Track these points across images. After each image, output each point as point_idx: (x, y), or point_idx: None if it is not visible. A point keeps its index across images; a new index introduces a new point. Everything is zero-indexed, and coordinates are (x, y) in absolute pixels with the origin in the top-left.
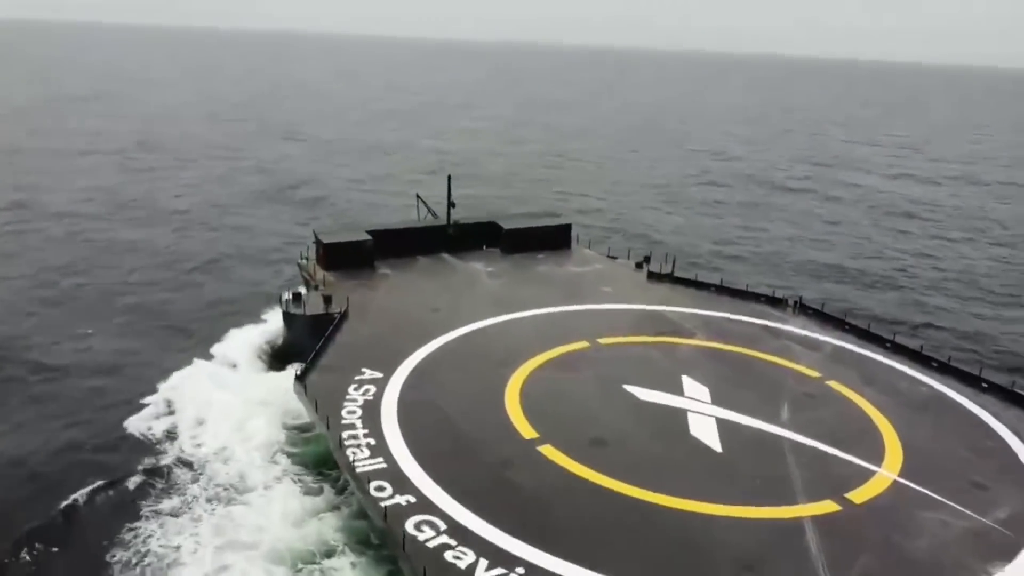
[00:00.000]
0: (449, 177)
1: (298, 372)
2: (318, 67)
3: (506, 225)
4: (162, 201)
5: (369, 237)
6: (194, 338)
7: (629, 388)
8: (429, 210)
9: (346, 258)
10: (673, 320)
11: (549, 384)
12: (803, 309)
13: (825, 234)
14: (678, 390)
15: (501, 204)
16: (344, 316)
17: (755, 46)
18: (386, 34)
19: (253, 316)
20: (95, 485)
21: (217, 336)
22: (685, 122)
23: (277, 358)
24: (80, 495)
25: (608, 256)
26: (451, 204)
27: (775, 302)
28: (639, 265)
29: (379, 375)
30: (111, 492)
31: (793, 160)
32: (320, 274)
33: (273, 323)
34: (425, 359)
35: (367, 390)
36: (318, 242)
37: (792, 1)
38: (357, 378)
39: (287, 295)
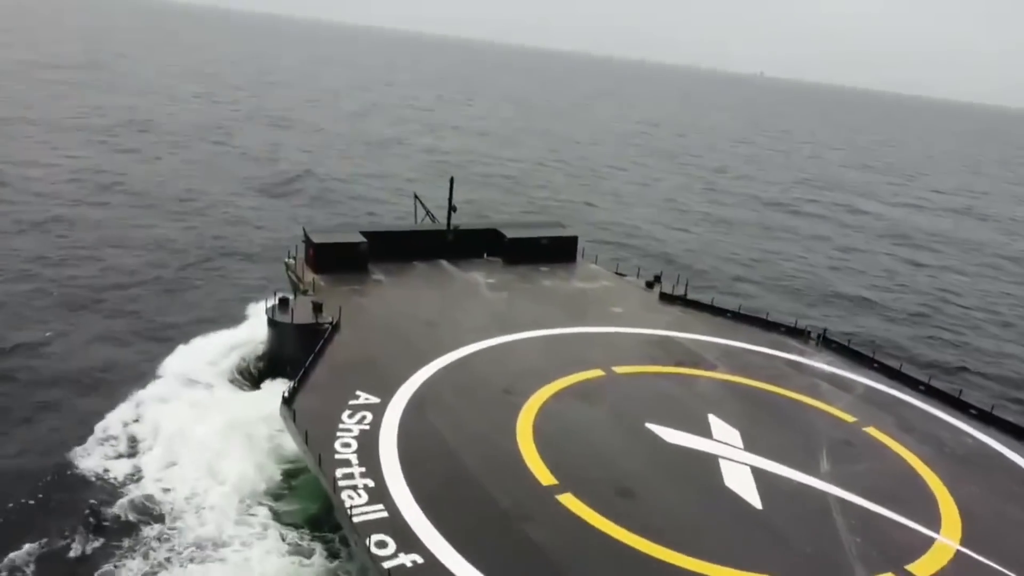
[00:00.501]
0: (452, 180)
1: (286, 394)
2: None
3: (509, 234)
4: (145, 185)
5: (363, 239)
6: (167, 344)
7: (652, 427)
8: (428, 213)
9: (338, 261)
10: (691, 349)
11: (564, 419)
12: (827, 343)
13: (831, 256)
14: (706, 431)
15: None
16: (335, 327)
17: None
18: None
19: (235, 320)
20: (34, 544)
21: (194, 344)
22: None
23: (260, 371)
24: (15, 557)
25: (617, 273)
26: (452, 208)
27: (796, 333)
28: (650, 284)
29: (375, 400)
30: (53, 550)
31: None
32: (309, 277)
33: (256, 328)
34: (426, 382)
35: (363, 417)
36: (308, 241)
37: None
38: (351, 402)
39: (272, 300)
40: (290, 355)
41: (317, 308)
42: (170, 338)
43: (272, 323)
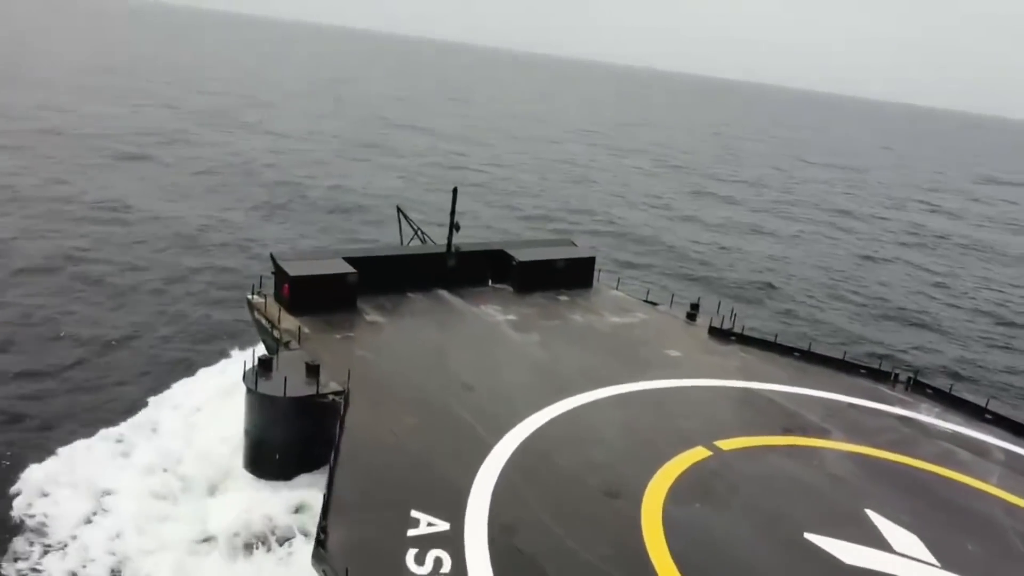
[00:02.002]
0: (455, 191)
1: (320, 535)
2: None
3: (519, 256)
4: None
5: (350, 268)
6: (114, 410)
7: (814, 538)
8: (417, 231)
9: (320, 297)
10: (788, 408)
11: (700, 534)
12: (918, 386)
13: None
14: (878, 541)
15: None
16: (346, 402)
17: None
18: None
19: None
20: None
21: (149, 411)
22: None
23: (241, 470)
24: None
25: (647, 301)
26: (455, 226)
27: (880, 375)
28: (691, 316)
29: (443, 526)
30: None
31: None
32: (286, 320)
33: (220, 399)
34: (500, 488)
35: (438, 562)
36: (279, 272)
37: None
38: (412, 533)
39: (250, 363)
40: (283, 442)
41: (313, 371)
42: (120, 397)
43: (255, 397)
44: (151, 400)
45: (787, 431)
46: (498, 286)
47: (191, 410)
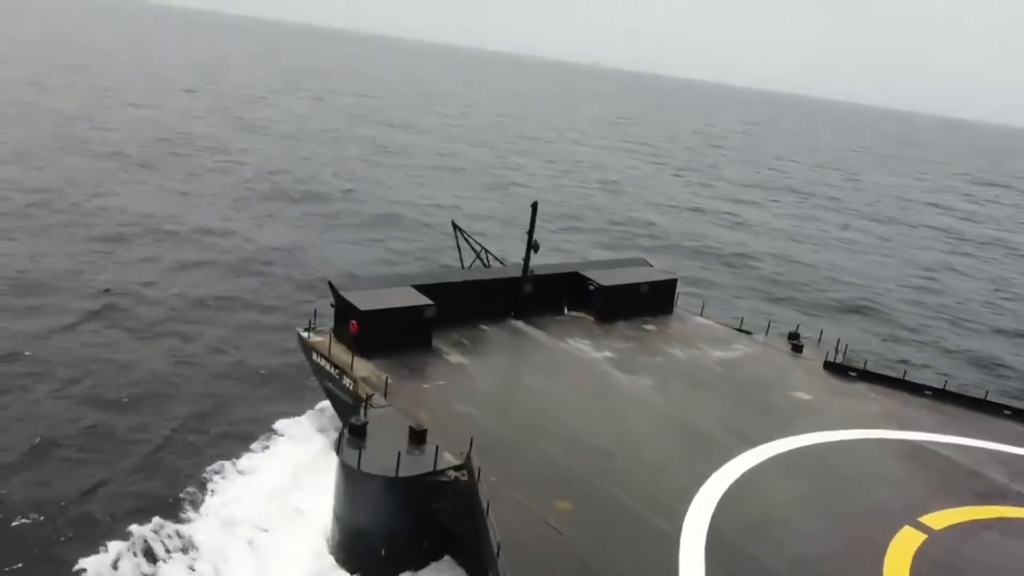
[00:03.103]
0: (535, 205)
1: None
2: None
3: (598, 279)
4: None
5: (426, 299)
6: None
7: None
8: (477, 251)
9: (393, 334)
10: (967, 466)
11: None
12: None
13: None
14: None
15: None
16: (473, 480)
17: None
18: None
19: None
20: None
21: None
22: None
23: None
24: None
25: (740, 330)
26: (533, 246)
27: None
28: (796, 348)
29: None
30: None
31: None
32: (354, 363)
33: (287, 474)
34: None
35: None
36: (342, 305)
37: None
38: None
39: (343, 429)
40: (391, 531)
41: (418, 437)
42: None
43: (354, 475)
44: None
45: (983, 497)
46: (574, 314)
47: (259, 520)
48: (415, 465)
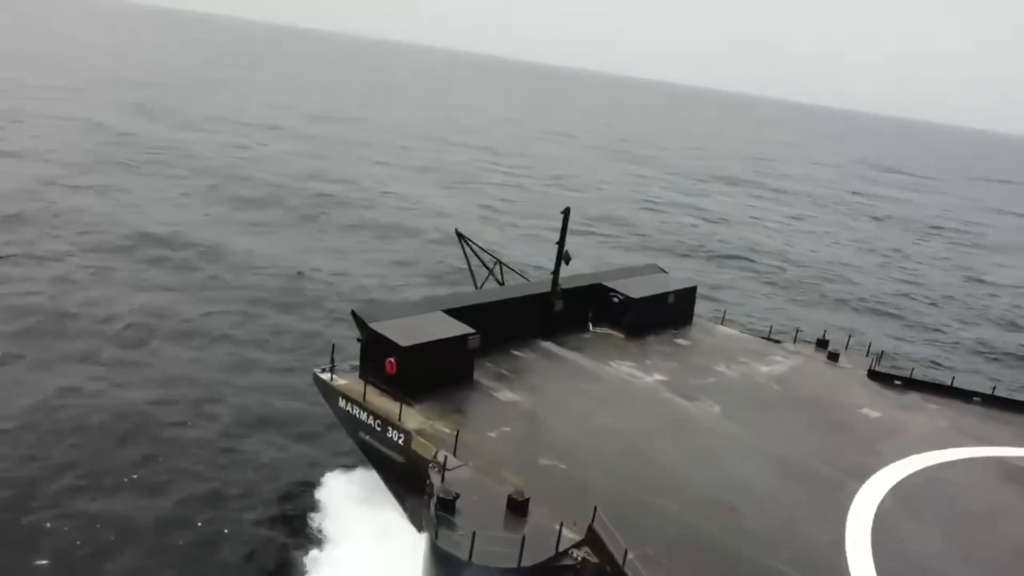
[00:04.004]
0: (567, 211)
1: None
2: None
3: (627, 291)
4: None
5: (469, 329)
6: None
7: None
8: (491, 268)
9: (435, 371)
10: None
11: None
12: None
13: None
14: None
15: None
16: (603, 559)
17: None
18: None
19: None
20: None
21: None
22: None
23: None
24: None
25: (770, 339)
26: (564, 257)
27: None
28: (832, 356)
29: None
30: None
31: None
32: (402, 412)
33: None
34: None
35: None
36: (374, 340)
37: None
38: None
39: (430, 504)
40: None
41: (520, 507)
42: None
43: (461, 567)
44: None
45: None
46: (600, 330)
47: None
48: (535, 548)
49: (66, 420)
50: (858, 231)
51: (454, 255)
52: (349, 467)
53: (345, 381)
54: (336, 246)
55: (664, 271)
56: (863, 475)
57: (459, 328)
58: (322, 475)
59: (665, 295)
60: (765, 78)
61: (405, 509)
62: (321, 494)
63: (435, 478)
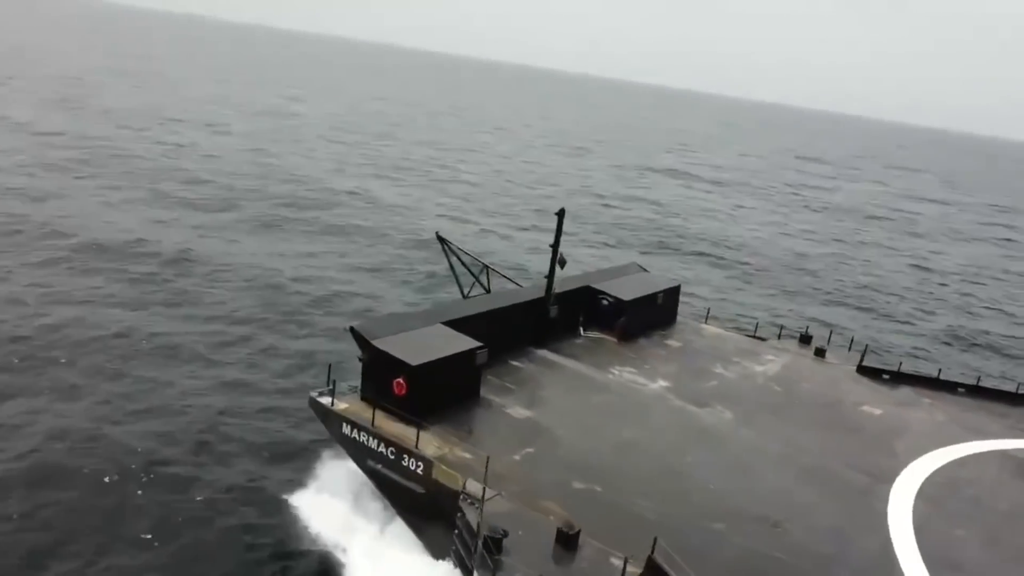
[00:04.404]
0: (562, 212)
1: None
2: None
3: (617, 293)
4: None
5: (476, 342)
6: None
7: None
8: (476, 275)
9: (444, 389)
10: None
11: None
12: None
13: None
14: None
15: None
16: None
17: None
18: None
19: None
20: None
21: None
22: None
23: None
24: None
25: (755, 336)
26: (559, 261)
27: None
28: (819, 352)
29: None
30: None
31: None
32: (419, 438)
33: None
34: None
35: None
36: (379, 359)
37: None
38: None
39: (475, 548)
40: None
41: (571, 542)
42: None
43: None
44: None
45: None
46: (590, 334)
47: None
48: None
49: (29, 461)
50: (804, 221)
51: (421, 258)
52: (354, 495)
53: (347, 405)
54: (302, 250)
55: (645, 270)
56: (887, 478)
57: (466, 342)
58: (324, 505)
59: (654, 295)
60: (706, 76)
61: (423, 540)
62: (322, 524)
63: (471, 513)
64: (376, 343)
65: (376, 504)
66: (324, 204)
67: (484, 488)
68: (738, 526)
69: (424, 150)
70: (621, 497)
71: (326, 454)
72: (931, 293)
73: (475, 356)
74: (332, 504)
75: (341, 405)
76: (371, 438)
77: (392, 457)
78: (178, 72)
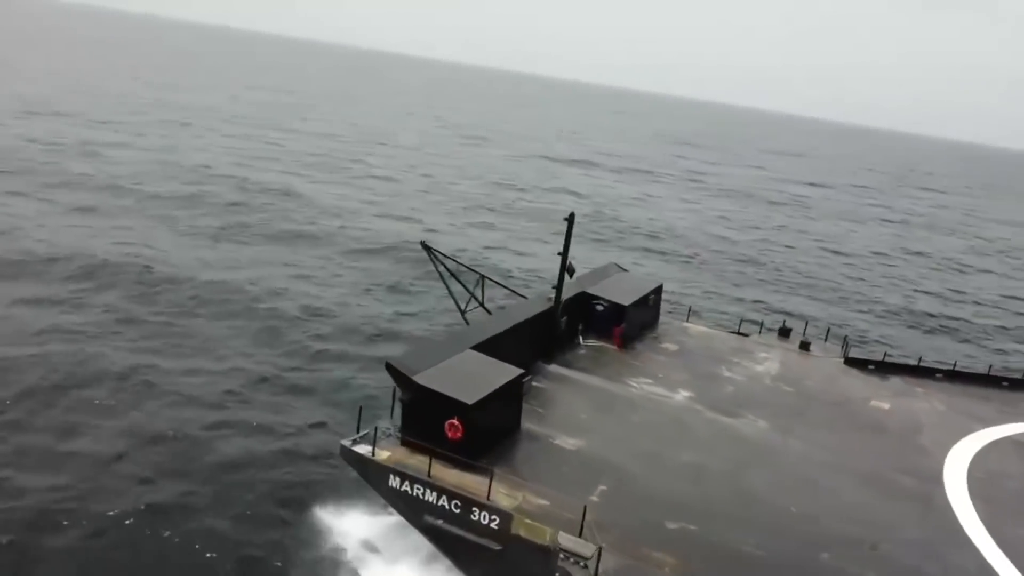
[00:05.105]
0: (571, 217)
1: None
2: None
3: (615, 299)
4: None
5: (517, 369)
6: None
7: None
8: (472, 291)
9: (494, 426)
10: None
11: None
12: None
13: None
14: None
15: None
16: None
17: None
18: None
19: None
20: None
21: None
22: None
23: None
24: None
25: (738, 333)
26: (568, 270)
27: (1018, 384)
28: (804, 345)
29: None
30: None
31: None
32: (476, 484)
33: None
34: None
35: None
36: (425, 398)
37: None
38: None
39: None
40: None
41: None
42: None
43: None
44: None
45: None
46: (589, 342)
47: None
48: None
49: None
50: (716, 208)
51: (379, 269)
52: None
53: (389, 452)
54: (259, 258)
55: (624, 269)
56: (934, 479)
57: (507, 370)
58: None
59: (646, 297)
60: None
61: None
62: None
63: (579, 575)
64: (420, 380)
65: (440, 565)
66: (254, 208)
67: (553, 540)
68: (843, 553)
69: (325, 142)
70: (719, 534)
71: (363, 508)
72: (861, 277)
73: (521, 385)
74: (388, 573)
75: (383, 454)
76: (429, 491)
77: (458, 511)
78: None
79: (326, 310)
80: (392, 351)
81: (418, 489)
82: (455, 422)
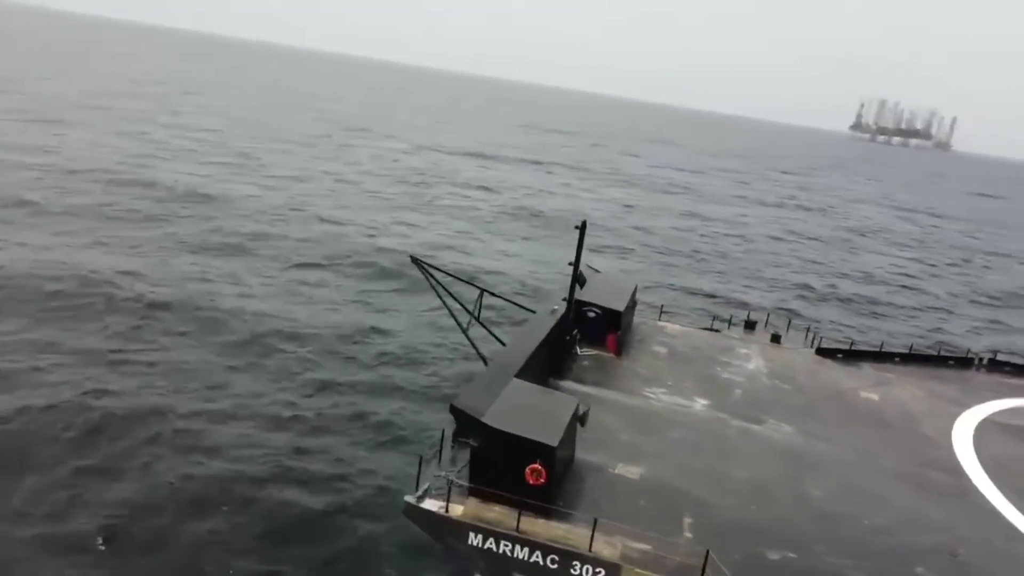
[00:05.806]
0: (583, 224)
1: None
2: None
3: (610, 304)
4: None
5: (574, 399)
6: None
7: None
8: (471, 312)
9: (568, 462)
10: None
11: None
12: (996, 365)
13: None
14: None
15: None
16: None
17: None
18: None
19: None
20: None
21: None
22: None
23: None
24: None
25: (711, 329)
26: (579, 280)
27: (964, 363)
28: (775, 338)
29: None
30: None
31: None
32: (573, 535)
33: None
34: None
35: None
36: (497, 441)
37: None
38: None
39: None
40: None
41: None
42: None
43: None
44: None
45: None
46: (586, 351)
47: None
48: None
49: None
50: (622, 197)
51: (328, 277)
52: None
53: (464, 507)
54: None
55: (598, 270)
56: (956, 471)
57: (565, 401)
58: None
59: (633, 300)
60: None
61: None
62: None
63: None
64: (491, 423)
65: None
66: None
67: None
68: (933, 566)
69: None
70: (819, 560)
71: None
72: (777, 264)
73: (584, 417)
74: None
75: (457, 509)
76: (519, 546)
77: (555, 567)
78: None
79: (299, 330)
80: (409, 377)
81: (505, 545)
82: (538, 466)
